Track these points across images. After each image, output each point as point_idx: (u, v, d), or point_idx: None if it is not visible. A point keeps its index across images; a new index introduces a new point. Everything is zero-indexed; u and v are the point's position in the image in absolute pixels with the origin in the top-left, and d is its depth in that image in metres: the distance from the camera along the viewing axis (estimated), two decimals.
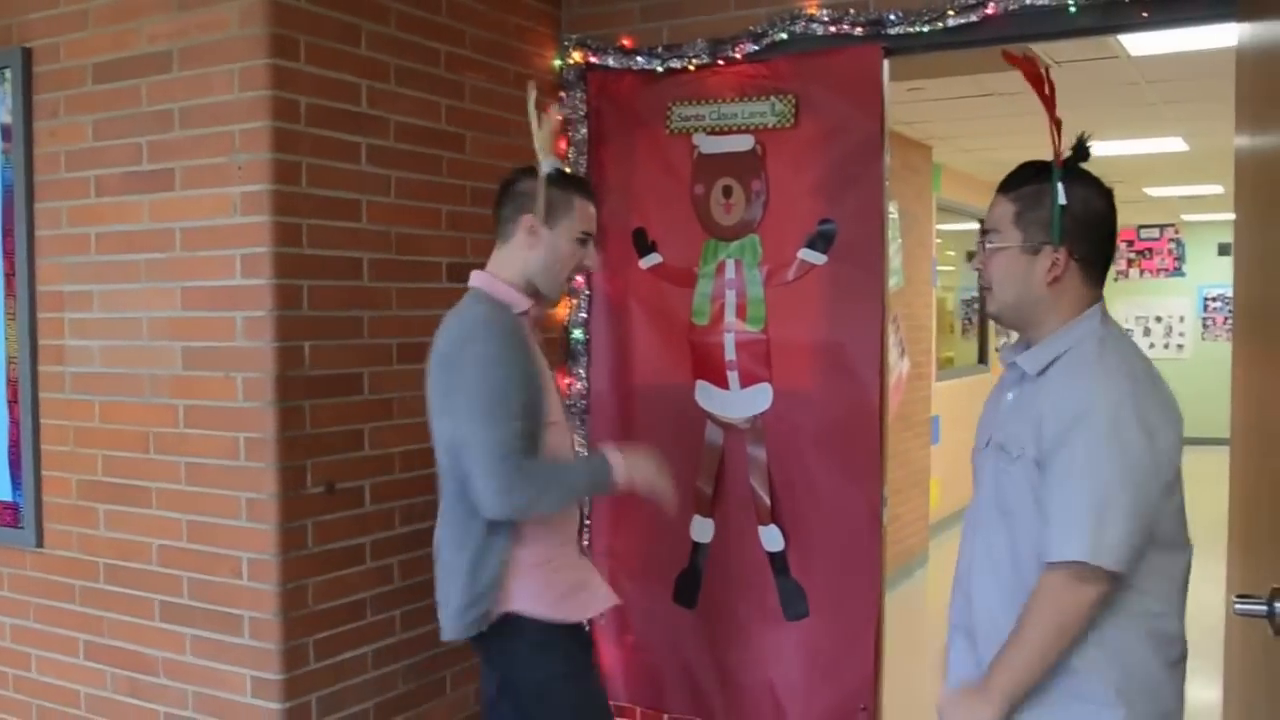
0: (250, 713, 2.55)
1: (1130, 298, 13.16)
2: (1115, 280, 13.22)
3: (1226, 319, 12.70)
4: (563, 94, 3.30)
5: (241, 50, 2.45)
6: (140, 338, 2.66)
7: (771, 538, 3.13)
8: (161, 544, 2.66)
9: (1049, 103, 1.89)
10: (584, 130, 3.29)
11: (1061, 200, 1.78)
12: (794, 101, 3.05)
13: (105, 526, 2.76)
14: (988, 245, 1.87)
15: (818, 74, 3.02)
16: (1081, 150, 1.85)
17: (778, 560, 3.13)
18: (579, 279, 3.28)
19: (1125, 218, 14.68)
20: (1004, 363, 1.91)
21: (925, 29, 2.86)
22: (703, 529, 3.21)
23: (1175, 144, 7.11)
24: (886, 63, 2.96)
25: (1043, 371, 1.80)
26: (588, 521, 3.25)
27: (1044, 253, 1.79)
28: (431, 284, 2.90)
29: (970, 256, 9.08)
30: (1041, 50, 4.48)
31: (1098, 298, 1.86)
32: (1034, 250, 1.80)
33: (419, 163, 2.86)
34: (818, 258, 3.05)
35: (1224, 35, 3.17)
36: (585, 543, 2.38)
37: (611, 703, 3.30)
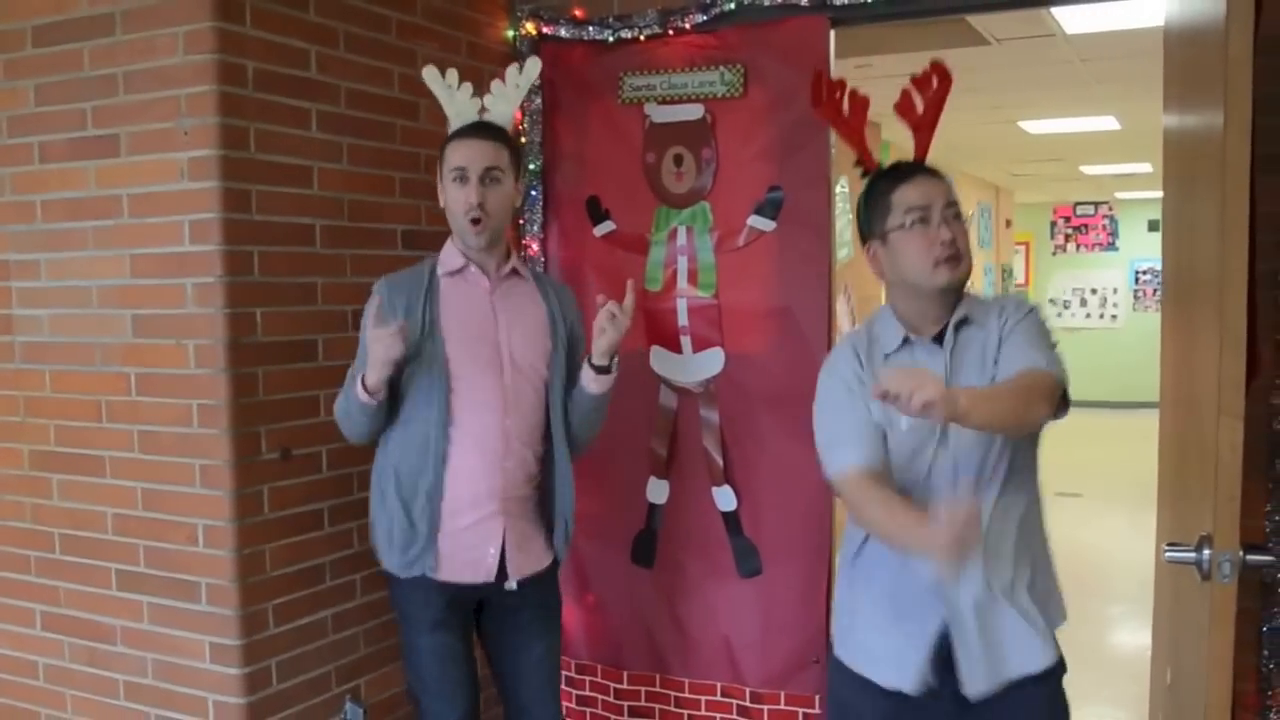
0: (210, 678, 2.56)
1: (1067, 271, 13.66)
2: (1053, 254, 13.66)
3: (1155, 291, 13.18)
4: (516, 64, 3.31)
5: (185, 13, 2.43)
6: (90, 306, 2.64)
7: (725, 498, 3.19)
8: (116, 513, 2.65)
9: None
10: (538, 100, 3.31)
11: None
12: (742, 71, 3.09)
13: (59, 496, 2.74)
14: (959, 217, 1.99)
15: (765, 44, 3.06)
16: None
17: (731, 519, 3.19)
18: (533, 246, 3.32)
19: (1063, 195, 14.90)
20: (922, 339, 2.02)
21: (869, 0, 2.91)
22: (658, 490, 3.27)
23: (1108, 123, 7.30)
24: (833, 33, 3.01)
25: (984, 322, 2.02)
26: None
27: None
28: (386, 251, 2.90)
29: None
30: (980, 26, 4.59)
31: None
32: None
33: (372, 130, 2.86)
34: (767, 224, 3.10)
35: (1154, 15, 3.26)
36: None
37: (573, 660, 3.37)
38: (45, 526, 2.77)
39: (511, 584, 2.47)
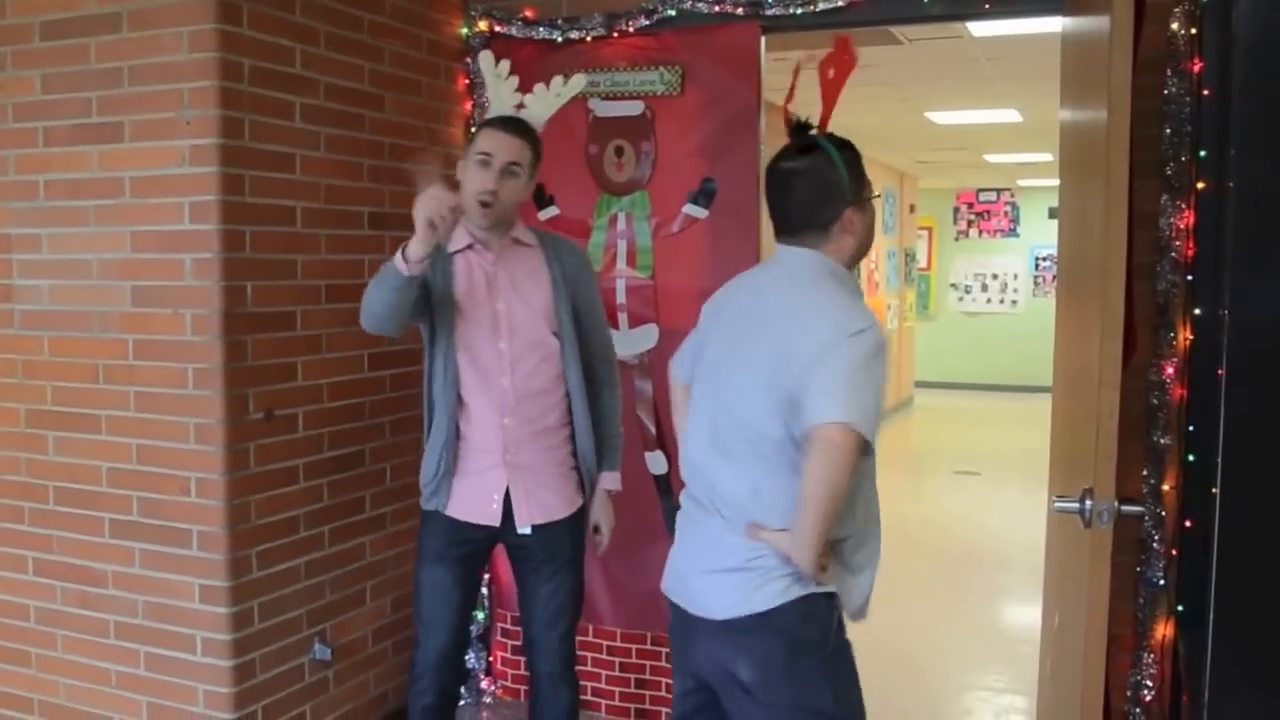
0: (199, 617, 2.80)
1: (969, 256, 13.88)
2: (956, 240, 13.96)
3: (1055, 277, 13.57)
4: (468, 59, 3.59)
5: (189, 14, 2.66)
6: (89, 277, 2.85)
7: (657, 462, 3.52)
8: (111, 467, 2.86)
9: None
10: (488, 94, 3.57)
11: None
12: (681, 72, 3.41)
13: (55, 452, 2.94)
14: None
15: (702, 48, 3.37)
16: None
17: (662, 482, 3.52)
18: None
19: (966, 181, 15.13)
20: None
21: (799, 11, 3.24)
22: None
23: (1011, 115, 7.71)
24: (764, 39, 3.33)
25: None
26: None
27: None
28: (355, 231, 3.17)
29: None
30: (895, 28, 4.95)
31: None
32: None
33: (345, 120, 3.11)
34: (700, 212, 3.44)
35: (1053, 22, 3.64)
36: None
37: (509, 613, 3.66)
38: (40, 480, 2.97)
39: (525, 529, 2.66)
